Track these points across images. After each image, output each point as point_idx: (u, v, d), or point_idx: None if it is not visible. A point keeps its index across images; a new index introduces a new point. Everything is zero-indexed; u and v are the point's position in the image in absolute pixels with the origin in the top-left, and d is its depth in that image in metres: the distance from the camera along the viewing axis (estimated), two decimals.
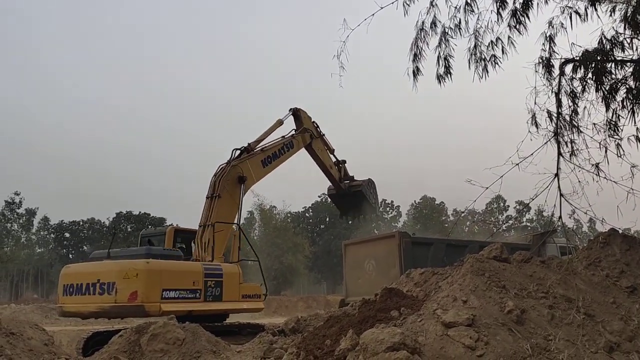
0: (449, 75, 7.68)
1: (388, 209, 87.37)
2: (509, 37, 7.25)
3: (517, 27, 7.20)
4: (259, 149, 12.70)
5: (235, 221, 12.02)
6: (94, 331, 11.47)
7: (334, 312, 7.95)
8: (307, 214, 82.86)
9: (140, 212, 73.49)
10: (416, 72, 7.68)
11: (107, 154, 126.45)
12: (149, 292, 9.81)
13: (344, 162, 15.15)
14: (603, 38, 7.22)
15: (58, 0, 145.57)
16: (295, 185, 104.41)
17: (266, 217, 55.87)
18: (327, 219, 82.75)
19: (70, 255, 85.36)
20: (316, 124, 14.25)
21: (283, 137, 13.39)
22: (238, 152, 12.41)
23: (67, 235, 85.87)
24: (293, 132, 13.71)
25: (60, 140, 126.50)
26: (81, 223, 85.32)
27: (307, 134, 13.82)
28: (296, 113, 13.82)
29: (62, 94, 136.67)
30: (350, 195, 15.18)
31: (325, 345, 5.36)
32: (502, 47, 7.32)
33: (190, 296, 10.21)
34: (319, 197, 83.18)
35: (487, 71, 7.49)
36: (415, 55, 7.63)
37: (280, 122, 13.43)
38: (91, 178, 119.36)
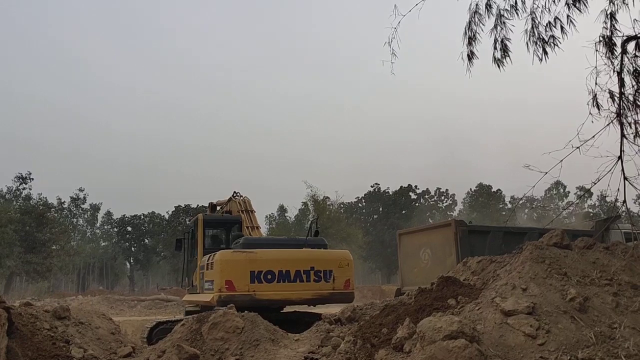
0: (506, 59, 7.48)
1: (443, 197, 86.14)
2: (567, 15, 6.98)
3: (576, 4, 6.93)
4: None
5: None
6: (157, 321, 11.90)
7: (390, 301, 7.94)
8: (359, 204, 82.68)
9: (197, 205, 75.27)
10: (471, 55, 7.52)
11: (159, 151, 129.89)
12: (353, 279, 10.99)
13: None
14: None
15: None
16: (347, 176, 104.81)
17: (319, 208, 56.14)
18: (380, 209, 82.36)
19: (132, 248, 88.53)
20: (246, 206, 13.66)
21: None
22: None
23: (129, 229, 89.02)
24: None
25: (118, 141, 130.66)
26: (142, 217, 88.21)
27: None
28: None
29: (134, 100, 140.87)
30: None
31: (382, 333, 5.37)
32: (561, 26, 7.07)
33: None
34: (371, 187, 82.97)
35: (547, 52, 7.25)
36: (469, 38, 7.47)
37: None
38: (149, 175, 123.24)
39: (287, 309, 11.60)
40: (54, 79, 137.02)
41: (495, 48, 7.47)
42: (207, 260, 10.88)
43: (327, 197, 56.21)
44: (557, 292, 5.04)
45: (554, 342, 4.43)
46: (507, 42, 7.43)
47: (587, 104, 7.09)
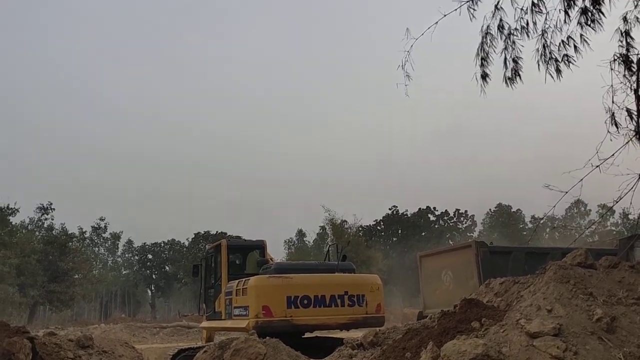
0: (517, 78, 7.53)
1: (462, 218, 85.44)
2: (581, 35, 7.01)
3: (590, 24, 6.96)
4: None
5: None
6: (180, 348, 11.91)
7: (413, 324, 7.87)
8: (378, 227, 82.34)
9: (217, 231, 75.60)
10: (484, 76, 7.58)
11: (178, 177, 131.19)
12: (383, 303, 11.14)
13: None
14: None
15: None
16: (364, 199, 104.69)
17: (338, 232, 56.02)
18: (399, 232, 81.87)
19: (153, 276, 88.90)
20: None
21: None
22: None
23: (149, 256, 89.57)
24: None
25: (139, 170, 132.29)
26: (162, 245, 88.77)
27: None
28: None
29: (155, 126, 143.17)
30: None
31: (406, 357, 5.33)
32: (575, 45, 7.09)
33: None
34: (389, 209, 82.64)
35: (560, 71, 7.27)
36: (482, 59, 7.53)
37: None
38: (168, 202, 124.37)
39: (308, 334, 11.56)
40: (70, 107, 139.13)
41: (505, 67, 7.53)
42: (237, 286, 10.86)
43: (345, 221, 56.10)
44: (583, 313, 4.97)
45: None
46: (518, 61, 7.49)
47: (605, 122, 7.07)
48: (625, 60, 7.01)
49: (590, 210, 77.81)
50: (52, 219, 55.26)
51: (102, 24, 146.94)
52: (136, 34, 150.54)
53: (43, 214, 54.70)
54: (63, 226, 55.62)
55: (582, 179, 6.69)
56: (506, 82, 7.57)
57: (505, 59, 7.47)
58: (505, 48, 7.40)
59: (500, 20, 7.26)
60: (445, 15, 7.05)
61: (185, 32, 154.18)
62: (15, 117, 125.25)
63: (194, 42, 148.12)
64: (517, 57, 7.45)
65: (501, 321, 5.12)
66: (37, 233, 54.57)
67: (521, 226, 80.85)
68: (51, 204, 55.06)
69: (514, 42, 7.37)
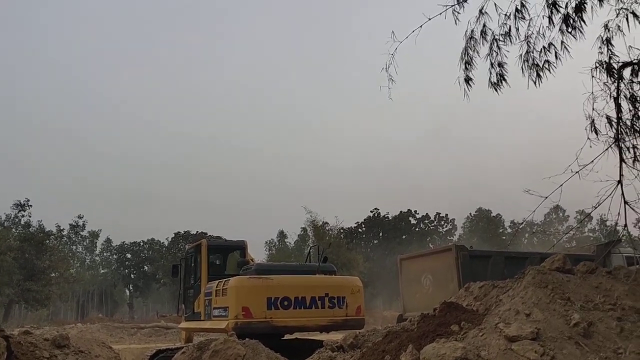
0: (503, 82, 7.58)
1: (442, 222, 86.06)
2: (562, 42, 7.10)
3: (571, 31, 7.05)
4: None
5: None
6: (157, 349, 11.79)
7: (392, 327, 7.88)
8: (359, 230, 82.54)
9: (197, 231, 75.10)
10: (468, 80, 7.62)
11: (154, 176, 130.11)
12: (364, 305, 11.08)
13: None
14: None
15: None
16: (346, 201, 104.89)
17: (319, 233, 56.04)
18: (381, 234, 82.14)
19: (131, 275, 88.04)
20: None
21: None
22: None
23: (128, 256, 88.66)
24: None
25: (118, 167, 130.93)
26: (141, 244, 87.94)
27: None
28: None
29: (136, 125, 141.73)
30: None
31: None
32: (555, 52, 7.17)
33: None
34: (371, 212, 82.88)
35: (540, 77, 7.35)
36: (466, 63, 7.57)
37: None
38: (148, 201, 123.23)
39: (287, 336, 11.53)
40: (55, 101, 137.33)
41: (491, 72, 7.58)
42: (217, 287, 10.77)
43: (327, 223, 56.10)
44: (560, 317, 5.02)
45: None
46: (503, 67, 7.54)
47: (585, 129, 7.17)
48: (608, 68, 7.11)
49: (568, 216, 78.99)
50: (30, 216, 54.41)
51: (102, 23, 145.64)
52: (136, 34, 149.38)
53: (20, 211, 53.83)
54: (40, 223, 54.82)
55: (561, 185, 6.76)
56: (492, 86, 7.62)
57: (491, 63, 7.52)
58: (490, 53, 7.45)
59: (484, 25, 7.31)
60: (430, 19, 7.08)
61: (184, 32, 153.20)
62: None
63: (194, 42, 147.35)
64: (501, 62, 7.51)
65: (480, 325, 5.15)
66: (13, 230, 53.59)
67: (501, 230, 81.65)
68: (28, 200, 54.21)
69: (499, 47, 7.43)
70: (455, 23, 7.15)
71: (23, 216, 54.15)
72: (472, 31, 7.41)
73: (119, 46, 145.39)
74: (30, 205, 54.01)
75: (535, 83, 7.35)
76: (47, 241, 51.45)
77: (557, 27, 7.09)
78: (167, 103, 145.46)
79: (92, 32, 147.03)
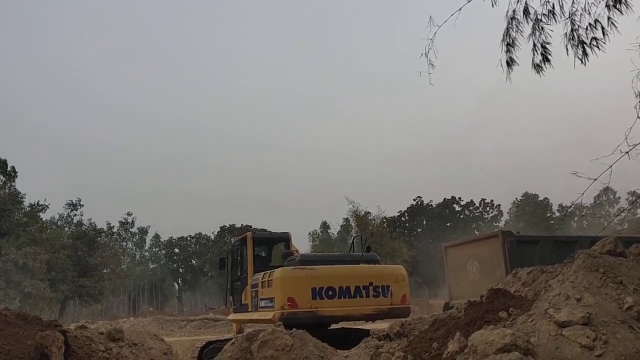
0: (547, 63, 7.37)
1: (488, 208, 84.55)
2: (608, 17, 6.84)
3: (617, 5, 6.78)
4: None
5: None
6: (207, 340, 12.06)
7: (439, 315, 7.83)
8: (402, 218, 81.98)
9: (242, 224, 76.17)
10: (510, 62, 7.45)
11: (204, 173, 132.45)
12: (409, 294, 11.12)
13: None
14: None
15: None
16: (388, 191, 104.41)
17: (362, 223, 55.99)
18: (424, 222, 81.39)
19: (180, 269, 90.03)
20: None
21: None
22: None
23: (176, 250, 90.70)
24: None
25: (164, 166, 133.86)
26: (189, 238, 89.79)
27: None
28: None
29: (178, 124, 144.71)
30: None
31: (433, 348, 5.31)
32: (602, 28, 6.93)
33: None
34: (414, 200, 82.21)
35: (587, 54, 7.11)
36: (508, 45, 7.40)
37: None
38: (195, 197, 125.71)
39: (334, 325, 11.59)
40: (80, 108, 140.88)
41: (534, 52, 7.38)
42: (263, 278, 10.92)
43: (369, 212, 55.98)
44: (613, 302, 4.89)
45: (613, 353, 4.29)
46: (546, 47, 7.34)
47: (635, 107, 6.90)
48: None
49: (619, 197, 76.34)
50: (81, 215, 56.68)
51: (102, 23, 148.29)
52: (136, 34, 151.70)
53: (72, 210, 56.01)
54: (91, 222, 56.85)
55: (611, 166, 6.55)
56: (535, 68, 7.43)
57: (534, 44, 7.32)
58: (533, 33, 7.26)
59: (526, 3, 7.12)
60: (469, 1, 6.94)
61: (185, 31, 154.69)
62: (18, 118, 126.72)
63: (195, 41, 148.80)
64: (544, 42, 7.31)
65: (529, 311, 5.07)
66: (66, 229, 55.77)
67: (548, 215, 79.64)
68: (80, 200, 56.41)
69: (542, 27, 7.23)
70: (492, 5, 6.99)
71: (75, 215, 56.49)
72: (514, 11, 7.24)
73: (124, 45, 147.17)
74: (82, 205, 56.27)
75: (581, 61, 7.13)
76: (99, 238, 53.13)
77: (604, 3, 6.84)
78: (214, 103, 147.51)
79: (95, 32, 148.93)
